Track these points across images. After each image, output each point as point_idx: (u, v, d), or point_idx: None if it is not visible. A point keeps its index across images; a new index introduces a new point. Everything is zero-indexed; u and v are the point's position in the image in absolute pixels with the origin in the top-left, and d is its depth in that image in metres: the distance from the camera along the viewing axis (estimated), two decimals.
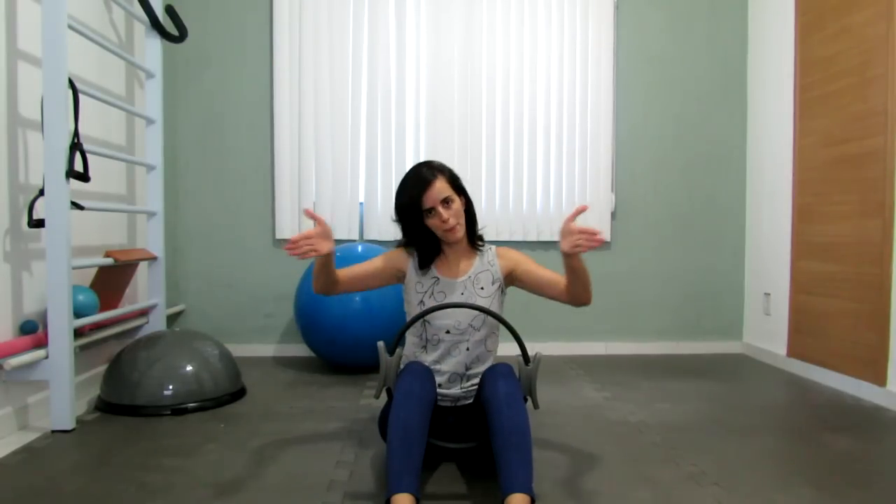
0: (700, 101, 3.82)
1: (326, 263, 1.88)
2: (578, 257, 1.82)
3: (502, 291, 2.03)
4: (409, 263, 2.01)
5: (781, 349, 3.43)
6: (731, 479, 1.88)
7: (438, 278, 1.97)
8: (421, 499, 1.58)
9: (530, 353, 1.84)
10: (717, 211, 3.85)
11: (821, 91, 3.12)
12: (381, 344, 1.82)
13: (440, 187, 1.88)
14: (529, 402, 1.85)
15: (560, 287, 1.93)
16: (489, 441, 1.69)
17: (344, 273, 1.99)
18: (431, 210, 1.89)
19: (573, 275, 1.86)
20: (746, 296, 3.85)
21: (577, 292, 1.88)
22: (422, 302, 1.96)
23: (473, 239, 2.03)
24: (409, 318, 1.96)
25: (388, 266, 2.02)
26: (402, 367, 1.88)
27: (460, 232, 1.93)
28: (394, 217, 1.98)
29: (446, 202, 1.89)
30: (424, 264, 1.98)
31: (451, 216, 1.89)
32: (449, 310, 1.92)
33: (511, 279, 2.03)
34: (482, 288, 1.98)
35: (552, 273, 1.98)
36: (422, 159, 3.58)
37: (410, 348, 2.02)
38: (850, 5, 2.90)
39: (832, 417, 2.54)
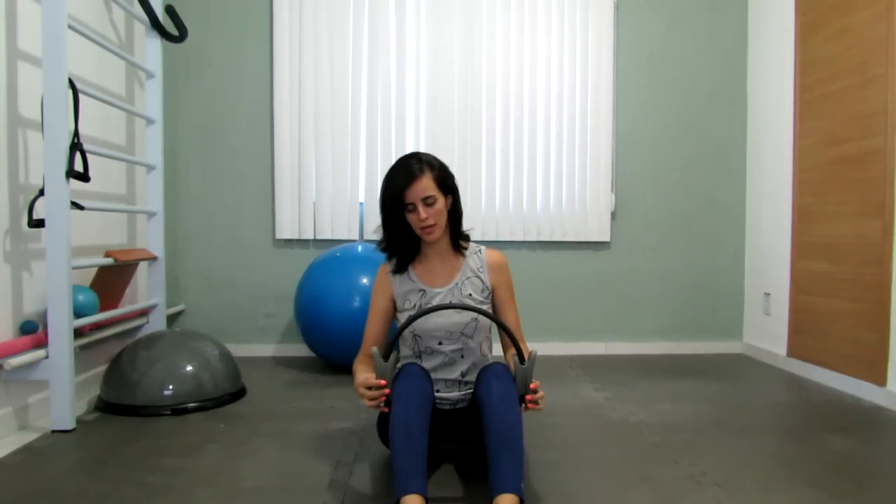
0: (700, 101, 3.82)
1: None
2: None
3: (491, 301, 1.98)
4: (392, 283, 1.96)
5: (781, 349, 3.43)
6: (731, 479, 1.87)
7: (424, 290, 1.93)
8: (429, 499, 1.57)
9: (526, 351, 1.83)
10: (717, 211, 3.85)
11: (821, 91, 3.12)
12: (374, 349, 1.79)
13: (425, 184, 1.83)
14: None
15: (504, 342, 1.92)
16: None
17: (370, 344, 1.95)
18: (412, 205, 1.84)
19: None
20: (746, 296, 3.85)
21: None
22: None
23: (456, 240, 1.96)
24: (399, 331, 1.92)
25: (384, 300, 1.96)
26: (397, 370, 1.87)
27: (437, 233, 1.87)
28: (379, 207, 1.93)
29: (428, 201, 1.83)
30: (401, 267, 1.94)
31: (431, 216, 1.83)
32: (440, 321, 1.88)
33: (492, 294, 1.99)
34: (470, 294, 1.93)
35: (513, 321, 1.95)
36: None
37: (404, 358, 2.00)
38: (850, 5, 2.90)
39: (832, 417, 2.54)
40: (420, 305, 1.92)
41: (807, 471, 1.96)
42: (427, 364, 1.93)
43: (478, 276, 1.96)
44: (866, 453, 2.13)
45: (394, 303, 1.98)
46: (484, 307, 1.94)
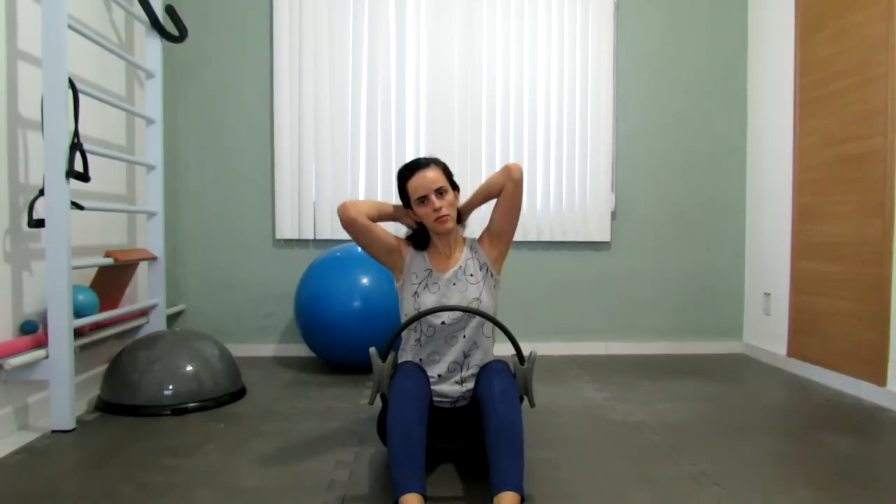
0: (700, 101, 3.81)
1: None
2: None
3: (492, 276, 2.04)
4: (408, 252, 2.03)
5: (781, 349, 3.43)
6: (731, 479, 1.88)
7: (431, 270, 2.00)
8: (429, 498, 1.58)
9: (525, 352, 1.84)
10: (717, 211, 3.85)
11: (821, 91, 3.12)
12: (373, 350, 1.82)
13: (434, 177, 1.92)
14: (526, 402, 1.85)
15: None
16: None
17: (370, 217, 1.98)
18: (424, 198, 1.91)
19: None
20: (746, 296, 3.85)
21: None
22: (416, 293, 1.97)
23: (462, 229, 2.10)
24: (402, 314, 2.00)
25: (395, 243, 2.01)
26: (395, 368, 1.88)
27: (450, 223, 1.94)
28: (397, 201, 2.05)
29: (440, 192, 1.92)
30: (420, 245, 2.03)
31: (444, 205, 1.91)
32: (443, 299, 1.95)
33: (493, 248, 2.04)
34: (471, 275, 2.00)
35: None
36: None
37: (407, 342, 2.03)
38: (850, 5, 2.90)
39: (832, 417, 2.54)
40: (426, 284, 1.98)
41: (807, 471, 1.96)
42: (429, 346, 1.96)
43: (475, 257, 2.03)
44: (866, 453, 2.13)
45: (392, 257, 2.01)
46: (484, 284, 1.99)
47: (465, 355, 1.96)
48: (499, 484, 1.56)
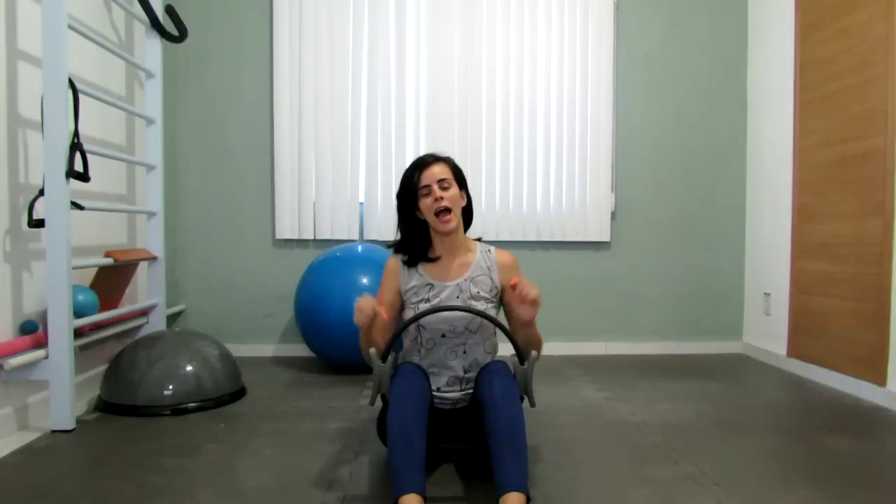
0: (700, 102, 3.82)
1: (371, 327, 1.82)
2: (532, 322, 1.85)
3: (500, 299, 1.99)
4: (400, 277, 1.97)
5: (781, 349, 3.43)
6: (731, 479, 1.88)
7: (433, 284, 1.93)
8: (429, 499, 1.58)
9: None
10: (717, 211, 3.85)
11: (821, 91, 3.12)
12: (373, 351, 1.80)
13: (439, 170, 1.89)
14: (526, 401, 1.85)
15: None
16: (486, 441, 1.68)
17: (379, 329, 1.87)
18: (427, 188, 1.87)
19: (525, 334, 1.89)
20: (746, 296, 3.85)
21: (524, 340, 1.89)
22: (415, 309, 1.92)
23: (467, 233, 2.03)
24: (400, 331, 1.92)
25: (391, 294, 1.96)
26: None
27: (454, 220, 1.89)
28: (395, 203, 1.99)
29: (443, 184, 1.87)
30: (413, 261, 1.96)
31: (447, 198, 1.86)
32: (444, 314, 1.88)
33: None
34: (478, 292, 1.93)
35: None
36: None
37: (408, 353, 2.00)
38: (850, 5, 2.90)
39: (832, 417, 2.54)
40: (427, 299, 1.92)
41: (806, 471, 1.96)
42: (429, 358, 1.94)
43: (487, 275, 1.96)
44: (866, 453, 2.13)
45: (401, 297, 1.97)
46: (491, 306, 1.94)
47: (465, 370, 1.93)
48: (504, 485, 1.55)
